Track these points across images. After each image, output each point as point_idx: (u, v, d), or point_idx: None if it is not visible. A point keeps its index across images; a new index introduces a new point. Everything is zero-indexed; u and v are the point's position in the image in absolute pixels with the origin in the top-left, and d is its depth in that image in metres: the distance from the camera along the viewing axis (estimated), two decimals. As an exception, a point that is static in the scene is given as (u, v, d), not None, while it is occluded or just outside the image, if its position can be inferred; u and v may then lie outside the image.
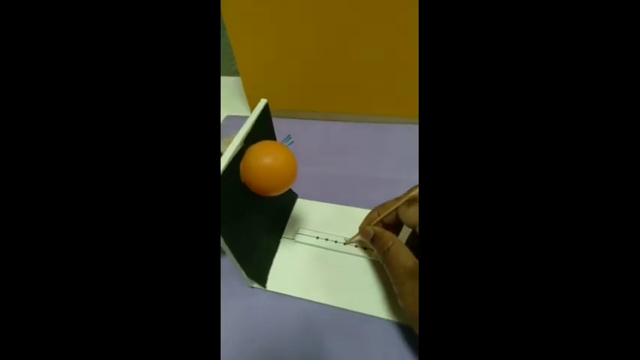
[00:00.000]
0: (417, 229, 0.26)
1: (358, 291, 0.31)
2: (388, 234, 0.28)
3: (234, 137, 0.26)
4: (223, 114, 0.59)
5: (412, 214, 0.27)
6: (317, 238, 0.35)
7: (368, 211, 0.31)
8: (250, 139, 0.26)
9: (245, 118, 0.61)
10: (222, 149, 0.30)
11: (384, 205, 0.30)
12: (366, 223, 0.31)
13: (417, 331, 0.25)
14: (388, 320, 0.29)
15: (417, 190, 0.26)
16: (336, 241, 0.35)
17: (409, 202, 0.27)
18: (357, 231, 0.32)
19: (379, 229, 0.29)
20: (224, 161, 0.23)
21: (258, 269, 0.32)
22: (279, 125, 0.33)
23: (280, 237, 0.36)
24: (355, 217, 0.34)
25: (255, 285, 0.32)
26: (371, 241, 0.30)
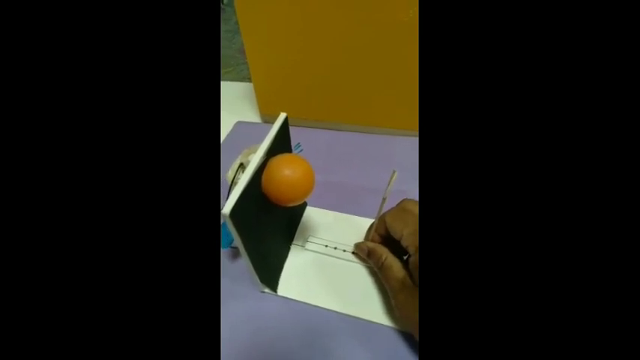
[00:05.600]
0: (402, 240, 0.28)
1: (365, 299, 0.32)
2: (381, 249, 0.31)
3: (254, 148, 0.28)
4: (233, 120, 0.61)
5: (398, 226, 0.29)
6: (326, 246, 0.37)
7: (373, 220, 0.33)
8: (270, 152, 0.28)
9: (255, 124, 0.62)
10: (242, 160, 0.32)
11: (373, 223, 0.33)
12: (365, 239, 0.34)
13: (417, 338, 0.27)
14: (394, 328, 0.31)
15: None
16: (344, 250, 0.36)
17: (394, 216, 0.29)
18: (362, 240, 0.34)
19: (372, 245, 0.32)
20: (248, 173, 0.25)
21: (270, 274, 0.33)
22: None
23: (290, 244, 0.37)
24: (361, 226, 0.36)
25: (266, 290, 0.34)
26: (367, 256, 0.32)
